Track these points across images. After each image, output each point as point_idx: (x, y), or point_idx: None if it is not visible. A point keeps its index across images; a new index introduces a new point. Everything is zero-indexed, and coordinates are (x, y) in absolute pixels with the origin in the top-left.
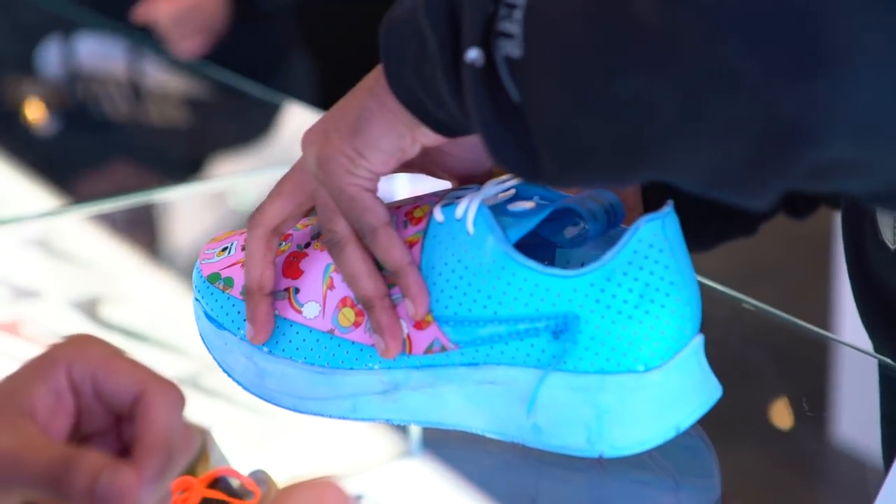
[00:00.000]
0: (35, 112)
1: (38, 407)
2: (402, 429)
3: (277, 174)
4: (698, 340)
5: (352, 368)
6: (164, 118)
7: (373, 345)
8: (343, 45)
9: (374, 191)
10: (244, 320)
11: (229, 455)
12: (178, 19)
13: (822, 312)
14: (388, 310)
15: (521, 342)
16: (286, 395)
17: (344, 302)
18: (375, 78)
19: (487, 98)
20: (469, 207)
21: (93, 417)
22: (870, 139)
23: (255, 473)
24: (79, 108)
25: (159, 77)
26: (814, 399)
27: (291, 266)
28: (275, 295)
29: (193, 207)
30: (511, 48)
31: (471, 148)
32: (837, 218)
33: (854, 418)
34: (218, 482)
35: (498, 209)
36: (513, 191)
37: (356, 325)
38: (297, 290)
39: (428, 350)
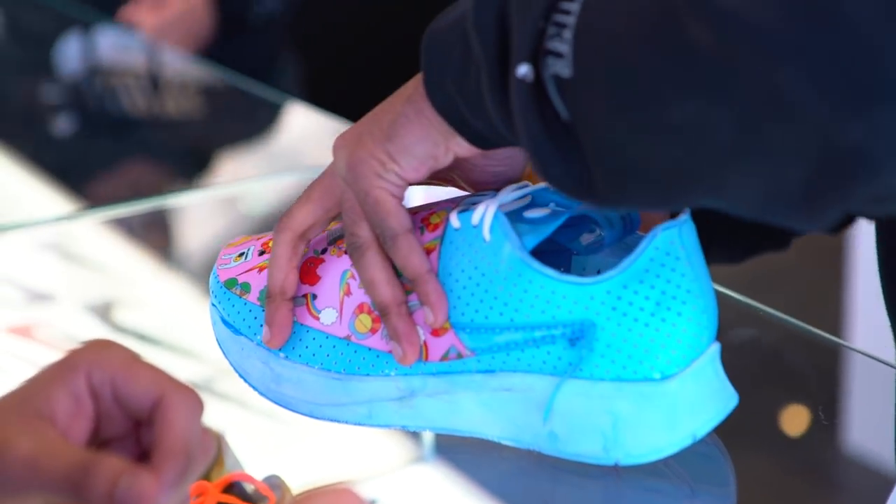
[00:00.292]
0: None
1: (57, 411)
2: (416, 434)
3: (289, 179)
4: (715, 348)
5: (368, 375)
6: (181, 111)
7: (389, 351)
8: (337, 55)
9: (400, 198)
10: (261, 326)
11: (243, 460)
12: (162, 29)
13: (835, 319)
14: (405, 317)
15: (538, 349)
16: (302, 400)
17: (361, 308)
18: (414, 86)
19: (537, 114)
20: (486, 214)
21: (112, 422)
22: None
23: (269, 478)
24: (95, 107)
25: (176, 68)
26: (827, 406)
27: (309, 272)
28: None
29: (206, 212)
30: (560, 67)
31: (501, 161)
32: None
33: (867, 425)
34: (232, 487)
35: (514, 216)
36: (529, 197)
37: (373, 331)
38: (314, 296)
39: (444, 357)
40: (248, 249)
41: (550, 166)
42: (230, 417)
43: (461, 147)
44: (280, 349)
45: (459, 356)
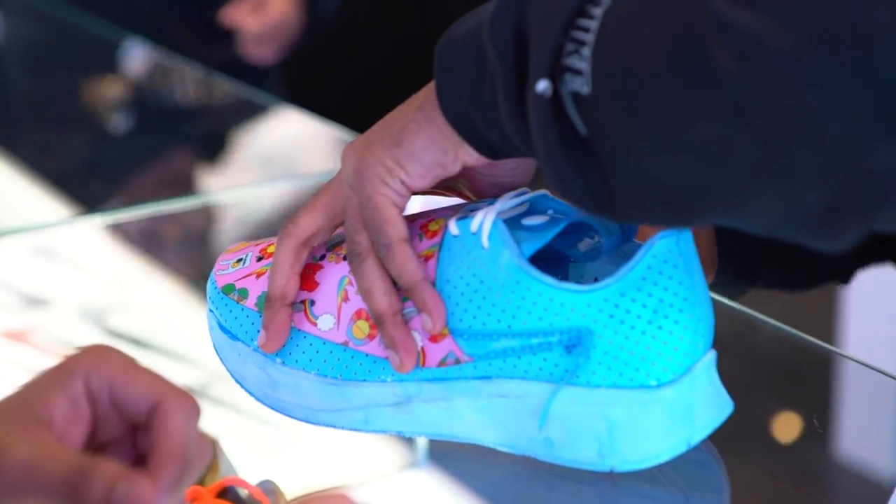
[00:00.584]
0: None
1: (55, 416)
2: (411, 440)
3: (285, 186)
4: (711, 356)
5: (365, 380)
6: (227, 100)
7: (387, 357)
8: (335, 61)
9: (401, 207)
10: (258, 331)
11: (238, 465)
12: (263, 33)
13: (828, 327)
14: (401, 326)
15: (535, 356)
16: (299, 406)
17: (359, 314)
18: (426, 95)
19: (555, 129)
20: (484, 221)
21: (109, 426)
22: None
23: (263, 483)
24: (148, 101)
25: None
26: (820, 414)
27: (307, 278)
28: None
29: (203, 218)
30: (579, 84)
31: (507, 171)
32: None
33: (861, 433)
34: (226, 492)
35: (512, 223)
36: (527, 204)
37: (370, 337)
38: (312, 302)
39: (442, 363)
40: (247, 255)
41: (568, 181)
42: (225, 422)
43: (470, 156)
44: (277, 354)
45: (457, 362)
